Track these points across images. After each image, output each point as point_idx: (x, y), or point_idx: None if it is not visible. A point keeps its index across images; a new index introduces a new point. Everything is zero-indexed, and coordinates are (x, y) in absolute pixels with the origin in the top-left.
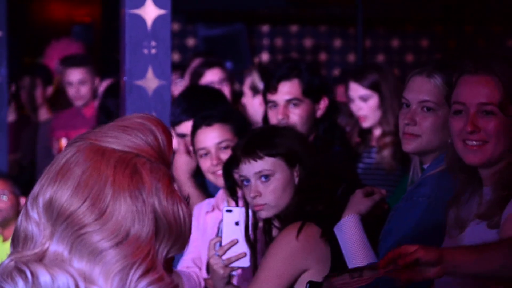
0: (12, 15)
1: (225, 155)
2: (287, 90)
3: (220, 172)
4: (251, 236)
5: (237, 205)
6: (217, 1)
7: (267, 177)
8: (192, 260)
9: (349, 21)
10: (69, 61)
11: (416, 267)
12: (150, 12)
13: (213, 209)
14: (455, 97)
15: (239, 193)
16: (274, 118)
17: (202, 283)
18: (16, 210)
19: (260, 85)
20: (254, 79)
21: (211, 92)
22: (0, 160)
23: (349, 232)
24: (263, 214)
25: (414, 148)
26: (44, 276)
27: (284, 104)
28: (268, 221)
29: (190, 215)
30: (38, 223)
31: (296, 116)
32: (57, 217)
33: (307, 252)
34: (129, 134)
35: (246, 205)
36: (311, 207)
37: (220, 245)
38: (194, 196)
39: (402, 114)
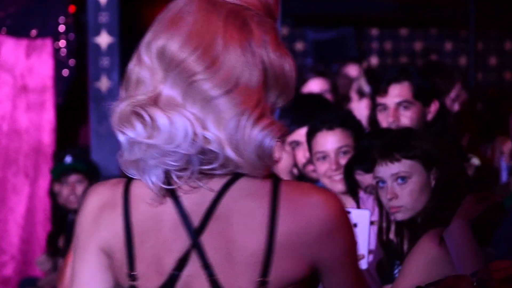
0: (123, 21)
1: (344, 160)
2: (397, 92)
3: (337, 177)
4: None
5: (358, 207)
6: (326, 4)
7: (404, 179)
8: None
9: (460, 23)
10: None
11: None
12: None
13: None
14: None
15: (361, 194)
16: (385, 121)
17: None
18: None
19: (367, 89)
20: (360, 82)
21: (317, 99)
22: (113, 164)
23: (458, 238)
24: (399, 216)
25: None
26: (161, 119)
27: (394, 107)
28: (400, 224)
29: (295, 68)
30: (151, 68)
31: (407, 119)
32: (169, 63)
33: (448, 260)
34: None
35: (380, 207)
36: (450, 212)
37: None
38: None
39: None
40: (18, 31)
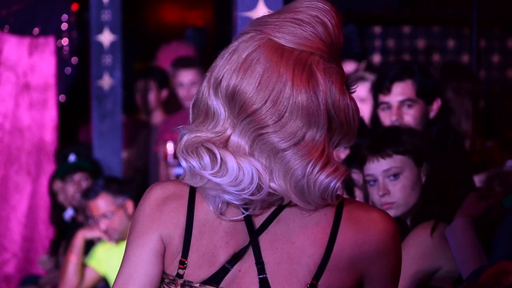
0: (126, 19)
1: (343, 155)
2: (400, 91)
3: None
4: None
5: None
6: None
7: (395, 175)
8: None
9: (463, 21)
10: (180, 63)
11: None
12: (262, 14)
13: None
14: None
15: (357, 193)
16: (388, 119)
17: None
18: (126, 216)
19: None
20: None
21: None
22: (115, 161)
23: (461, 235)
24: (392, 212)
25: None
26: (232, 162)
27: (397, 105)
28: (398, 220)
29: (358, 112)
30: (219, 107)
31: (410, 117)
32: (240, 111)
33: (440, 251)
34: (303, 30)
35: None
36: (439, 207)
37: None
38: None
39: None
40: (21, 29)
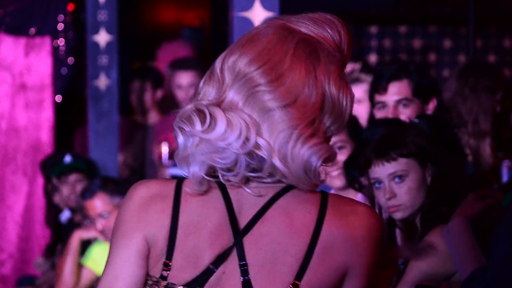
0: (122, 19)
1: (340, 156)
2: (397, 90)
3: (334, 173)
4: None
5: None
6: (325, 2)
7: (401, 178)
8: None
9: (459, 20)
10: (179, 64)
11: None
12: (258, 15)
13: None
14: None
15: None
16: None
17: None
18: None
19: None
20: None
21: None
22: (111, 162)
23: (457, 235)
24: (399, 215)
25: None
26: (221, 117)
27: (394, 104)
28: (405, 222)
29: (352, 101)
30: (219, 80)
31: (406, 116)
32: (237, 74)
33: None
34: (317, 25)
35: (372, 206)
36: (448, 208)
37: None
38: None
39: None
40: (17, 29)
